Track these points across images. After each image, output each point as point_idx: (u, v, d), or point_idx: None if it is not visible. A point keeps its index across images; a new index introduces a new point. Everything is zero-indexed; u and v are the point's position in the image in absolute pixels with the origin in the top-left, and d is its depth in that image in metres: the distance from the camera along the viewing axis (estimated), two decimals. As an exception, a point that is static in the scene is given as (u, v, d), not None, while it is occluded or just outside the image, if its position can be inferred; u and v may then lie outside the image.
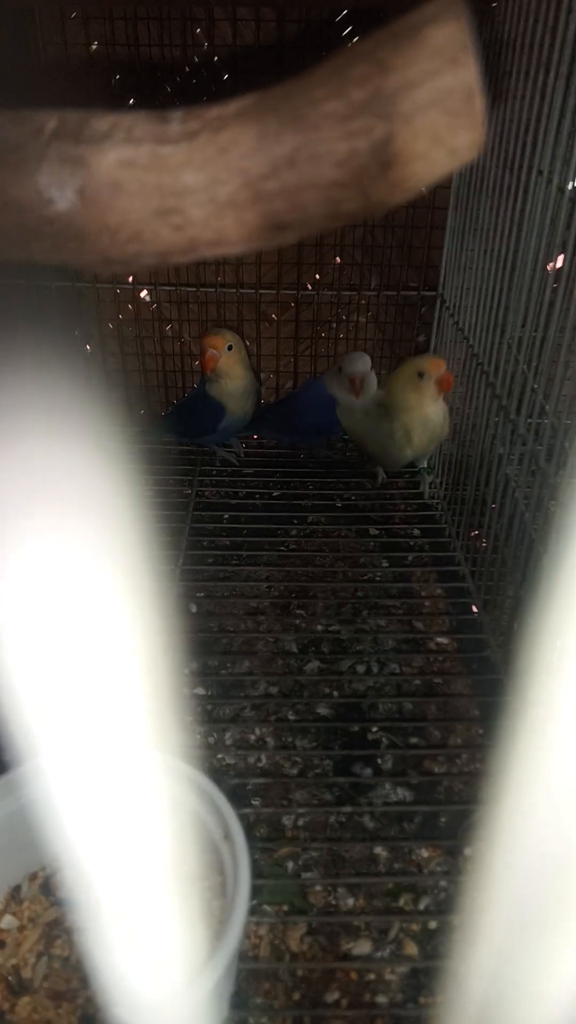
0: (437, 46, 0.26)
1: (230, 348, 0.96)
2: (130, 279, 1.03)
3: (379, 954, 0.51)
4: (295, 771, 0.63)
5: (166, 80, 0.94)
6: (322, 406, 1.00)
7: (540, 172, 0.61)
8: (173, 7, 0.89)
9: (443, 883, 0.55)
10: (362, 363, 0.95)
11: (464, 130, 0.27)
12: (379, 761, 0.64)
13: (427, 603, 0.82)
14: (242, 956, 0.50)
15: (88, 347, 1.10)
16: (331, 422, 1.00)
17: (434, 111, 0.26)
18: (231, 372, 0.97)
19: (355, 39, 0.92)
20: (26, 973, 0.46)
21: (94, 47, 0.93)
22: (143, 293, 1.06)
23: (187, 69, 0.94)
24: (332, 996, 0.49)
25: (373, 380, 0.97)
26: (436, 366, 0.86)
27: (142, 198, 0.29)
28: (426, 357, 0.89)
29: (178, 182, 0.29)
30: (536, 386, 0.64)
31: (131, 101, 0.95)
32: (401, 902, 0.54)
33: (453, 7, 0.26)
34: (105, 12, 0.90)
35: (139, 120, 0.30)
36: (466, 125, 0.27)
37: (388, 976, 0.50)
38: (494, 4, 0.73)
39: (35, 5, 0.90)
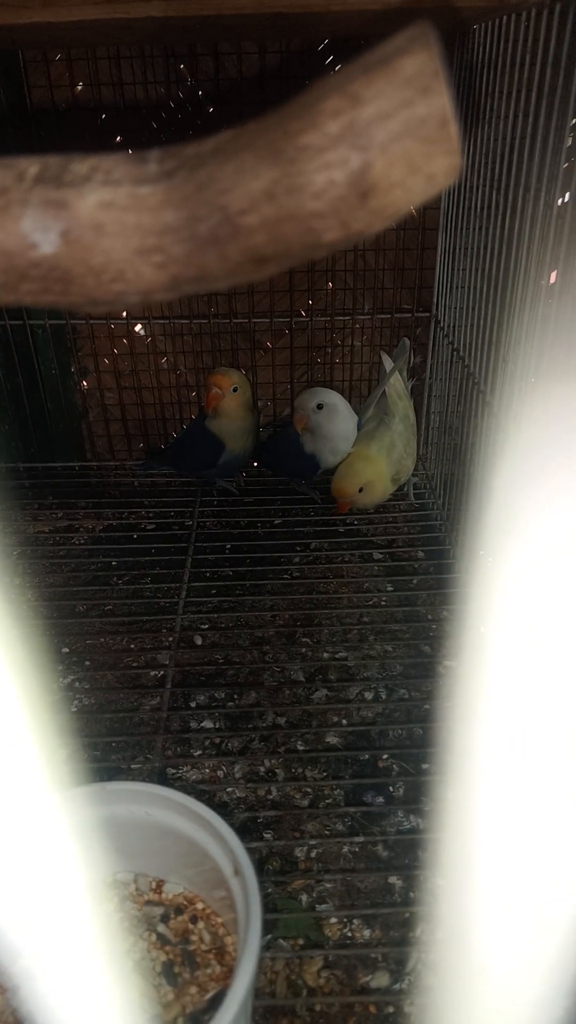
0: (408, 76, 0.26)
1: (235, 390, 0.96)
2: (124, 314, 1.04)
3: (397, 986, 0.50)
4: (306, 802, 0.62)
5: (152, 117, 0.96)
6: (292, 453, 1.00)
7: (528, 189, 0.62)
8: (155, 44, 0.91)
9: (461, 911, 0.54)
10: (307, 397, 0.96)
11: (440, 156, 0.27)
12: (391, 789, 0.63)
13: (434, 626, 0.81)
14: (258, 992, 0.49)
15: (84, 383, 1.11)
16: (304, 468, 1.01)
17: (409, 140, 0.26)
18: (232, 413, 0.97)
19: (337, 66, 0.93)
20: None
21: (79, 88, 0.94)
22: (137, 327, 1.07)
23: (172, 105, 0.95)
24: (352, 1033, 0.48)
25: (336, 413, 0.96)
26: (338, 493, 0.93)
27: (123, 238, 0.30)
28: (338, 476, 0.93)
29: (158, 221, 0.29)
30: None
31: (118, 139, 0.96)
32: (418, 932, 0.53)
33: (422, 37, 0.26)
34: (88, 52, 0.91)
35: (118, 162, 0.30)
36: (442, 152, 0.27)
37: (407, 1008, 0.49)
38: (474, 27, 0.74)
39: (19, 48, 0.92)
